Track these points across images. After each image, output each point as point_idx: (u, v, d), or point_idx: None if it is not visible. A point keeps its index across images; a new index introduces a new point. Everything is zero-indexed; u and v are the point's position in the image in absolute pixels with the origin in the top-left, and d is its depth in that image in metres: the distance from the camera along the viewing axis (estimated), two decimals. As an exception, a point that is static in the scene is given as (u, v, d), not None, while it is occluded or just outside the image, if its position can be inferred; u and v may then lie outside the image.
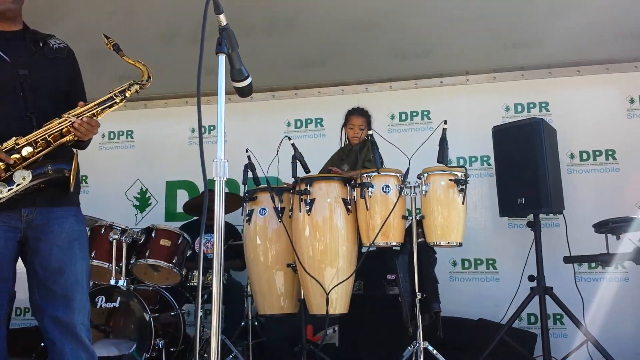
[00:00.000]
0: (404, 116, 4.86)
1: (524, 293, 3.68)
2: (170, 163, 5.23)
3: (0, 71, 2.12)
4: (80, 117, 2.11)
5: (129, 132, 5.38)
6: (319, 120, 5.08)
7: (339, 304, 3.00)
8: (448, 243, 2.95)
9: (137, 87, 2.24)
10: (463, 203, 2.93)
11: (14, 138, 2.04)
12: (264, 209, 3.26)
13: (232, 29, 4.49)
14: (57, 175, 2.08)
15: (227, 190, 4.97)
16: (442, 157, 2.94)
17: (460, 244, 2.99)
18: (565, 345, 3.82)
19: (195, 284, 3.95)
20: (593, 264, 4.24)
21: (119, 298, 3.52)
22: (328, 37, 4.37)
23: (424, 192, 2.96)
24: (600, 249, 3.58)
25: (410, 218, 2.99)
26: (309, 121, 5.10)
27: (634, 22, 4.00)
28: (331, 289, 2.91)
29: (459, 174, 2.94)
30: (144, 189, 5.32)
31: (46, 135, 2.08)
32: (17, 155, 2.03)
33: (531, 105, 4.65)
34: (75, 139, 2.13)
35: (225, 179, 1.78)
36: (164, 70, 4.61)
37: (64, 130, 2.10)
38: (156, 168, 5.21)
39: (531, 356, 3.78)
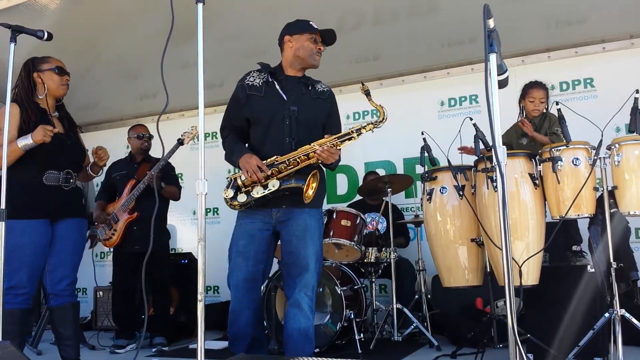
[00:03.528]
0: (565, 86, 4.78)
1: None
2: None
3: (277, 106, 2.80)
4: (322, 146, 2.67)
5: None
6: (473, 97, 5.13)
7: (530, 276, 3.09)
8: (645, 211, 2.94)
9: (371, 126, 2.85)
10: (660, 171, 2.90)
11: (275, 156, 2.70)
12: (445, 188, 3.41)
13: (375, 18, 4.66)
14: (295, 186, 2.68)
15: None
16: (635, 126, 2.93)
17: (659, 212, 2.96)
18: None
19: (369, 261, 4.24)
20: None
21: (311, 274, 3.88)
22: (474, 13, 4.37)
23: (616, 163, 2.96)
24: None
25: (602, 189, 3.01)
26: (463, 99, 5.18)
27: None
28: (523, 262, 3.01)
29: (655, 142, 2.91)
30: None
31: (296, 157, 2.68)
32: (275, 169, 2.69)
33: None
34: (320, 162, 2.71)
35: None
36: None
37: (310, 154, 2.68)
38: (316, 154, 5.54)
39: None
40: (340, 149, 2.76)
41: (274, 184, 2.66)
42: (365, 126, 2.81)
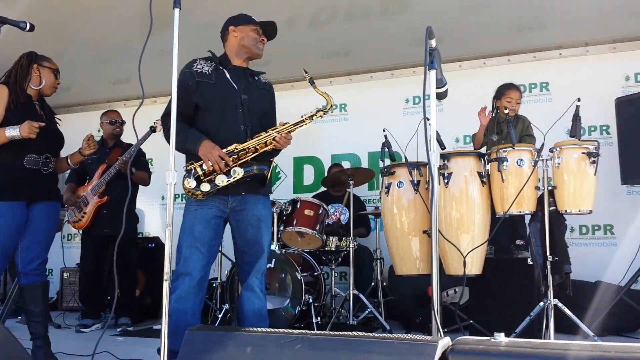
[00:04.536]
0: (523, 89, 5.03)
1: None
2: (297, 140, 5.69)
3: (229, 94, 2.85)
4: (280, 133, 2.78)
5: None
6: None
7: (474, 266, 3.34)
8: (579, 211, 3.20)
9: (321, 112, 2.97)
10: (595, 174, 3.16)
11: (235, 144, 2.76)
12: (401, 182, 3.61)
13: (348, 14, 4.80)
14: (259, 173, 2.78)
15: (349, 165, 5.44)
16: (575, 131, 3.18)
17: (590, 211, 3.22)
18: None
19: (330, 249, 4.45)
20: None
21: (274, 260, 4.07)
22: (442, 15, 4.59)
23: (556, 165, 3.21)
24: None
25: (543, 188, 3.26)
26: (427, 97, 5.38)
27: None
28: (468, 253, 3.25)
29: (591, 147, 3.16)
30: (275, 165, 5.87)
31: (256, 144, 2.77)
32: (235, 157, 2.75)
33: (652, 75, 4.70)
34: (274, 148, 2.81)
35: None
36: (288, 54, 5.14)
37: (268, 141, 2.78)
38: (285, 145, 5.70)
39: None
40: (292, 137, 2.89)
41: (237, 172, 2.73)
42: (316, 113, 2.94)
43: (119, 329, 4.38)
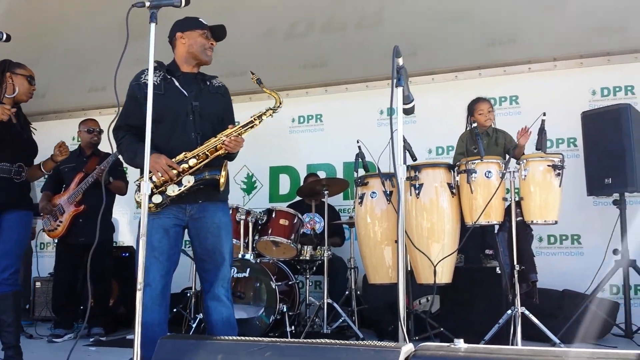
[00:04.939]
0: (493, 102, 5.15)
1: (607, 266, 4.01)
2: (273, 150, 5.79)
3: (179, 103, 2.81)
4: (230, 137, 2.74)
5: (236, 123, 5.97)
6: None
7: (444, 275, 3.43)
8: (545, 221, 3.31)
9: (271, 111, 2.90)
10: (560, 186, 3.28)
11: (183, 152, 2.73)
12: (375, 193, 3.69)
13: (324, 26, 4.87)
14: (211, 178, 2.74)
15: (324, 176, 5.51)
16: (541, 145, 3.30)
17: (556, 222, 3.34)
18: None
19: (304, 258, 4.49)
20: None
21: (248, 269, 4.11)
22: (416, 29, 4.69)
23: (523, 177, 3.32)
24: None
25: (510, 199, 3.36)
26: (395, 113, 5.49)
27: None
28: (438, 262, 3.33)
29: (556, 159, 3.28)
30: (250, 174, 5.93)
31: (205, 150, 2.74)
32: (185, 165, 2.71)
33: (617, 89, 4.87)
34: (226, 152, 2.77)
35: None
36: (265, 64, 5.20)
37: (218, 146, 2.75)
38: (261, 155, 5.71)
39: (614, 323, 4.10)
40: (244, 139, 2.86)
41: (188, 180, 2.69)
42: (265, 112, 2.88)
43: (91, 339, 4.35)
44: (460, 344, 1.55)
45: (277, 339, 1.62)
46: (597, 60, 4.91)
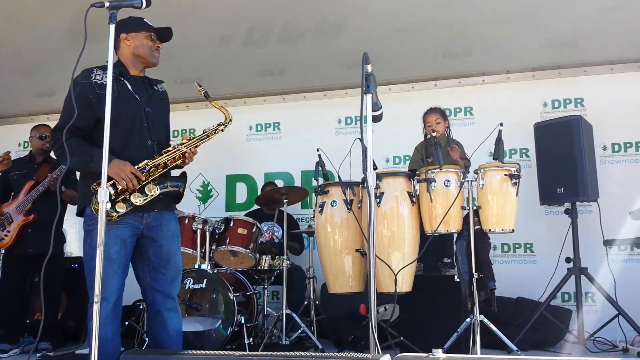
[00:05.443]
0: (448, 112, 5.24)
1: (560, 273, 4.11)
2: (230, 158, 5.70)
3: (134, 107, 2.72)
4: (189, 148, 2.74)
5: (192, 131, 5.85)
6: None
7: (404, 284, 3.43)
8: (502, 230, 3.37)
9: (222, 127, 2.89)
10: (517, 195, 3.34)
11: (145, 161, 2.67)
12: (335, 201, 3.68)
13: (282, 34, 4.85)
14: (174, 190, 2.73)
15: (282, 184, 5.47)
16: (498, 154, 3.36)
17: (513, 230, 3.40)
18: (595, 321, 4.24)
19: (262, 268, 4.42)
20: (622, 247, 4.62)
21: (205, 280, 4.00)
22: (374, 40, 4.73)
23: (480, 186, 3.37)
24: (631, 234, 3.97)
25: (468, 208, 3.40)
26: (358, 118, 5.50)
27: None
28: (399, 270, 3.34)
29: (513, 169, 3.35)
30: (206, 182, 5.81)
31: (166, 160, 2.71)
32: (146, 173, 2.66)
33: (567, 101, 5.03)
34: (180, 163, 2.77)
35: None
36: (222, 71, 5.12)
37: (176, 157, 2.73)
38: (217, 163, 5.63)
39: (567, 330, 4.20)
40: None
41: (153, 190, 2.63)
42: (217, 128, 2.86)
43: (38, 354, 4.14)
44: (438, 354, 1.54)
45: (246, 352, 1.57)
46: (548, 73, 5.07)
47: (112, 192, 2.56)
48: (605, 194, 4.37)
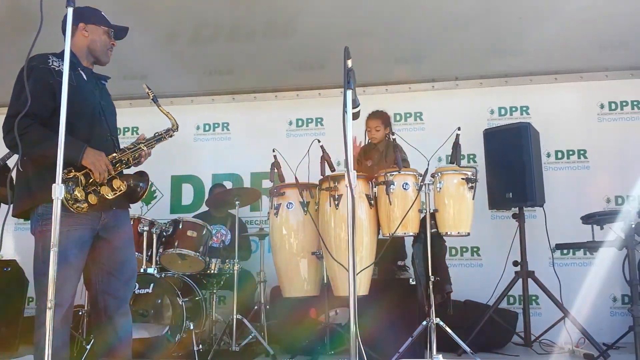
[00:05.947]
0: (398, 117, 5.29)
1: (507, 277, 4.20)
2: (175, 159, 5.49)
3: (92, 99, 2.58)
4: (148, 146, 2.67)
5: (135, 129, 5.62)
6: (319, 120, 5.45)
7: (361, 287, 3.39)
8: (458, 233, 3.39)
9: (172, 132, 2.80)
10: (473, 198, 3.37)
11: (113, 154, 2.54)
12: (291, 203, 3.60)
13: (231, 33, 4.71)
14: (134, 189, 2.62)
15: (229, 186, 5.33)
16: (455, 158, 3.38)
17: (468, 234, 3.44)
18: (541, 323, 4.35)
19: (212, 272, 4.27)
20: (565, 251, 4.79)
21: (152, 285, 3.82)
22: (326, 42, 4.68)
23: (438, 189, 3.38)
24: (574, 238, 4.10)
25: (425, 211, 3.41)
26: (309, 120, 5.47)
27: (603, 36, 4.53)
28: (357, 274, 3.28)
29: (469, 173, 3.38)
30: (150, 183, 5.56)
31: (130, 157, 2.61)
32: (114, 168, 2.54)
33: (513, 109, 5.18)
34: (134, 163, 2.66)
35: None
36: (168, 69, 4.93)
37: (136, 154, 2.63)
38: (161, 163, 5.37)
39: (515, 332, 4.30)
40: None
41: (121, 185, 2.51)
42: (168, 131, 2.77)
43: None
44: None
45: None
46: (495, 81, 5.20)
47: (85, 181, 2.43)
48: (549, 200, 4.51)
